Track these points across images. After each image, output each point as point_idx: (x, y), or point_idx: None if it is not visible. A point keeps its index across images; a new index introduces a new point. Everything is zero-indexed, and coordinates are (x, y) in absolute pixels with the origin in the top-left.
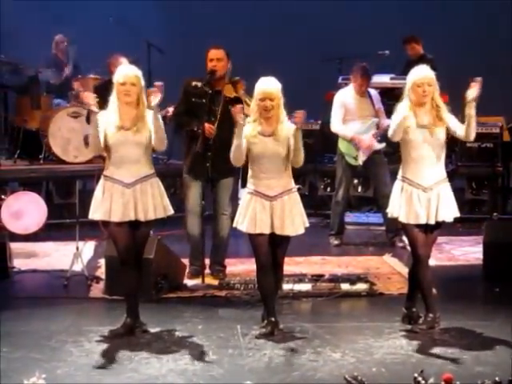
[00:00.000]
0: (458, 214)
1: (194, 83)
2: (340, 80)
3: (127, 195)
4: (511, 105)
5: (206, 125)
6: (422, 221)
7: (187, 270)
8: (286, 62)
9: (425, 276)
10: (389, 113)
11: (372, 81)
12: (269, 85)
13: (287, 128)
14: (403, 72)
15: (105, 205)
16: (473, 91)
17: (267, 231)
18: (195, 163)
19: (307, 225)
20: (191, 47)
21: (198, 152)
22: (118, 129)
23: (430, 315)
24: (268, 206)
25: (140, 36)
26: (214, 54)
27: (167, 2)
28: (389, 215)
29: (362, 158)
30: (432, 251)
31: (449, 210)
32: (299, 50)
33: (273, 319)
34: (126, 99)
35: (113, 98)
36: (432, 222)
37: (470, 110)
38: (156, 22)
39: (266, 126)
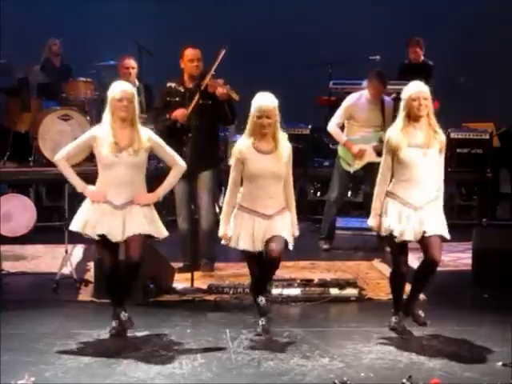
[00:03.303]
0: (447, 237)
1: (168, 84)
2: (331, 84)
3: (117, 218)
4: (501, 111)
5: (180, 110)
6: (408, 238)
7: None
8: (276, 66)
9: (400, 285)
10: None
11: (362, 86)
12: (266, 102)
13: (286, 146)
14: (399, 77)
15: (91, 220)
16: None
17: (258, 249)
18: None
19: (297, 233)
20: (181, 49)
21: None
22: (112, 149)
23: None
24: (264, 224)
25: (130, 38)
26: (195, 54)
27: (156, 3)
28: (368, 224)
29: (355, 167)
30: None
31: (437, 228)
32: (289, 54)
33: (264, 321)
34: (122, 114)
35: (106, 115)
36: (417, 238)
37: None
38: (145, 23)
39: (263, 143)
